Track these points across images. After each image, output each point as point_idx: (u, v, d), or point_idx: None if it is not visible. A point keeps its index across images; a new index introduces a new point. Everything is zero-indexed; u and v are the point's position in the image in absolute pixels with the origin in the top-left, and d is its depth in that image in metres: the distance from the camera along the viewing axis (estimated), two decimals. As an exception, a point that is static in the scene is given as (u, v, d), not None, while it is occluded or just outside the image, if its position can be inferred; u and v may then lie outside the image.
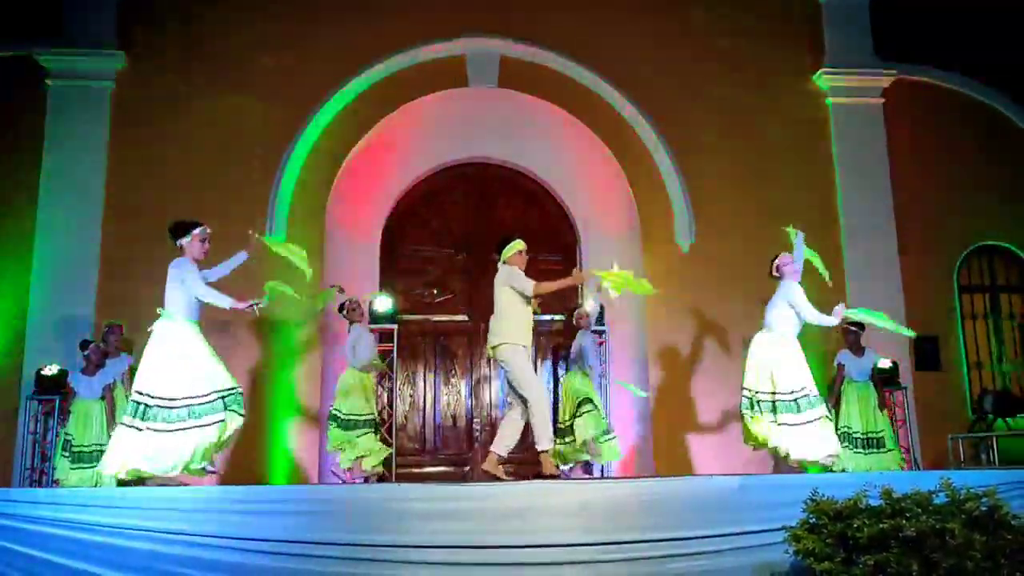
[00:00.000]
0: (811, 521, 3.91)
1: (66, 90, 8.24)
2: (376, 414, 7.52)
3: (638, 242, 8.66)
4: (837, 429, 7.06)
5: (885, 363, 7.80)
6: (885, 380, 8.00)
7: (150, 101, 8.31)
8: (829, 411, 6.37)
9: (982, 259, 9.15)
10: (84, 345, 7.23)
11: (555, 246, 9.09)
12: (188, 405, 5.15)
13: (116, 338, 7.41)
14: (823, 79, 8.94)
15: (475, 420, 8.89)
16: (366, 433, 7.27)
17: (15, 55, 8.26)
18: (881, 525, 3.70)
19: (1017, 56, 9.18)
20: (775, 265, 6.19)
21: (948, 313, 8.89)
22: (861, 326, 7.41)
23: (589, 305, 7.88)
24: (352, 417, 7.24)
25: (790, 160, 8.83)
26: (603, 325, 8.39)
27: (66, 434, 6.97)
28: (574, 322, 7.83)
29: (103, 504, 4.49)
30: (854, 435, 7.28)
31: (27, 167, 8.06)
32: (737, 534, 4.34)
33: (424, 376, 8.97)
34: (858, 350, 7.51)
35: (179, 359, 5.20)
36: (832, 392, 7.42)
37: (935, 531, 3.63)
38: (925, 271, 8.81)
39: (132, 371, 7.44)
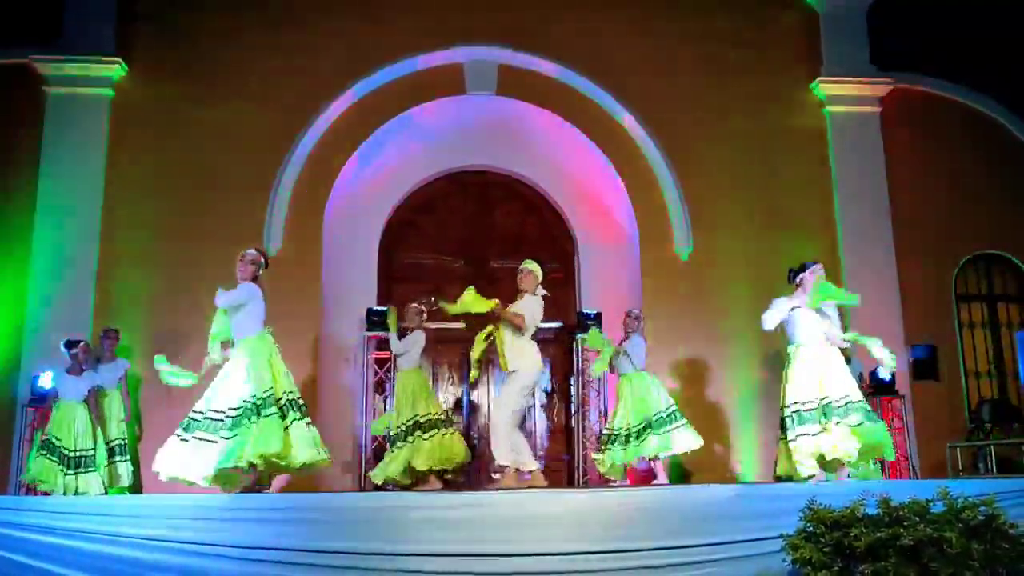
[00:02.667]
0: (808, 530, 3.90)
1: (65, 97, 8.25)
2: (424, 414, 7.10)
3: (636, 250, 8.66)
4: None
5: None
6: (883, 389, 8.00)
7: (148, 109, 8.33)
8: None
9: (980, 268, 9.15)
10: (71, 344, 7.08)
11: (553, 254, 9.09)
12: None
13: (111, 343, 7.36)
14: (821, 88, 8.97)
15: (472, 428, 8.86)
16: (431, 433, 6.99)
17: (14, 62, 8.28)
18: (879, 534, 3.69)
19: (1014, 65, 9.22)
20: (806, 274, 5.81)
21: (946, 322, 8.88)
22: None
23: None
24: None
25: (788, 168, 8.84)
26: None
27: (55, 437, 6.77)
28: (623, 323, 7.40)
29: (104, 513, 4.49)
30: None
31: (26, 174, 8.07)
32: (734, 543, 4.31)
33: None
34: None
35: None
36: None
37: (933, 540, 3.63)
38: (923, 280, 8.81)
39: (128, 377, 7.42)
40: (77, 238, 8.00)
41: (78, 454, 6.77)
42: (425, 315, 7.38)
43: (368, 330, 8.12)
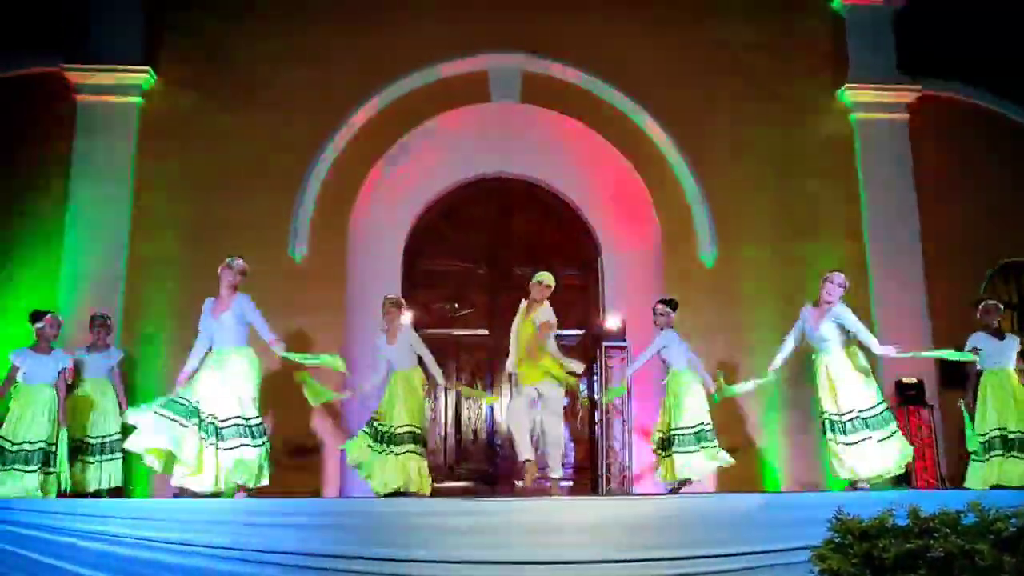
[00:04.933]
0: (836, 540, 3.85)
1: (94, 105, 8.35)
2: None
3: (660, 257, 8.62)
4: (977, 431, 6.22)
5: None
6: (911, 399, 7.90)
7: (176, 116, 8.42)
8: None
9: (1009, 277, 9.00)
10: (37, 317, 6.18)
11: (575, 261, 9.09)
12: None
13: (100, 330, 6.83)
14: (847, 95, 8.88)
15: (496, 435, 8.85)
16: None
17: (44, 71, 8.40)
18: (908, 545, 3.63)
19: (1044, 72, 9.09)
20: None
21: (974, 331, 8.72)
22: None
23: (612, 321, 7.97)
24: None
25: (814, 176, 8.76)
26: (624, 340, 8.35)
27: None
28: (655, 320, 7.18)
29: (125, 516, 4.52)
30: (1010, 436, 6.15)
31: (56, 182, 8.17)
32: (760, 552, 4.28)
33: (445, 390, 8.94)
34: (998, 332, 6.55)
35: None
36: (968, 385, 6.53)
37: (963, 552, 3.56)
38: (951, 289, 8.67)
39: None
40: (106, 244, 8.09)
41: (30, 447, 5.82)
42: (403, 307, 6.93)
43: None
